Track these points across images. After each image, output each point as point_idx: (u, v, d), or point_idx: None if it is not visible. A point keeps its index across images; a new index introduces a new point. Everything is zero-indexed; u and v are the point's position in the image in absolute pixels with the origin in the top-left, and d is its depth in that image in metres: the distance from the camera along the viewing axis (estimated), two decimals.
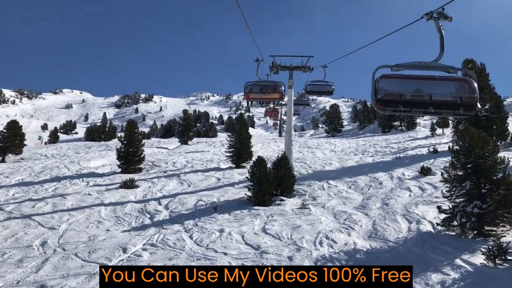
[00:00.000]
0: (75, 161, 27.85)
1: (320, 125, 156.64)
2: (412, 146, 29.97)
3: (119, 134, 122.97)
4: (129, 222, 14.12)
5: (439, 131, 37.58)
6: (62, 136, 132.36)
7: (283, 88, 15.89)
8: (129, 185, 18.32)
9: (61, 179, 21.67)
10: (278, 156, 17.31)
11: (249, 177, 15.86)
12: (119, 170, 23.62)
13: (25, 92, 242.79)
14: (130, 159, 23.79)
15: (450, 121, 39.83)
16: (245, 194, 15.94)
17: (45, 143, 70.68)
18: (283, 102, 74.34)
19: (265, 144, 38.05)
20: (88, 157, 30.13)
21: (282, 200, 15.83)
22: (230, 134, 23.48)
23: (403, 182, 17.64)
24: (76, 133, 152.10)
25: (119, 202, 16.50)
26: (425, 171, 18.43)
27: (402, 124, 46.23)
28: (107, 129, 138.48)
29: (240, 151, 22.88)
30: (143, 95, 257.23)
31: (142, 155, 24.17)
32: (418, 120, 46.68)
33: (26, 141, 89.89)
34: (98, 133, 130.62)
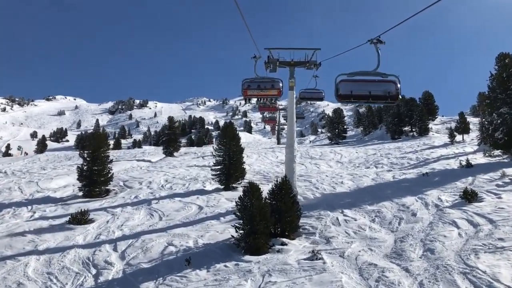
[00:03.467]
0: (35, 180, 23.35)
1: (319, 130, 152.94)
2: (434, 157, 25.64)
3: (111, 142, 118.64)
4: (62, 284, 9.71)
5: (457, 137, 33.28)
6: (52, 144, 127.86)
7: (281, 84, 14.43)
8: (79, 220, 13.85)
9: (4, 207, 17.23)
10: (277, 180, 12.86)
11: (237, 213, 11.43)
12: (81, 193, 19.20)
13: (17, 99, 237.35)
14: (95, 179, 19.35)
15: (471, 127, 35.68)
16: (232, 236, 11.48)
17: (25, 154, 66.08)
18: (281, 107, 70.03)
19: (261, 155, 33.64)
20: (52, 174, 25.63)
21: (283, 244, 11.39)
22: (216, 147, 19.00)
23: (443, 213, 13.22)
24: (67, 141, 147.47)
25: (59, 247, 12.04)
26: (470, 196, 14.05)
27: (414, 130, 41.94)
28: None
29: (229, 169, 18.42)
30: (137, 101, 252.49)
31: (109, 175, 19.70)
32: (430, 125, 42.42)
33: (12, 151, 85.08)
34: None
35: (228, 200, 16.33)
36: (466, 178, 17.34)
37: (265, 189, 18.34)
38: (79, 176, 19.18)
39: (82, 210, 14.46)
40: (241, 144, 19.32)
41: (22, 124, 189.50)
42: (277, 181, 12.58)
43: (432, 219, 12.74)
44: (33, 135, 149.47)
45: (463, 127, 32.86)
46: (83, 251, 11.65)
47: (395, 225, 12.61)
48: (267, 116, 58.11)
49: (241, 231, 11.19)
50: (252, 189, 11.44)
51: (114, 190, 19.97)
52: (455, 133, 32.28)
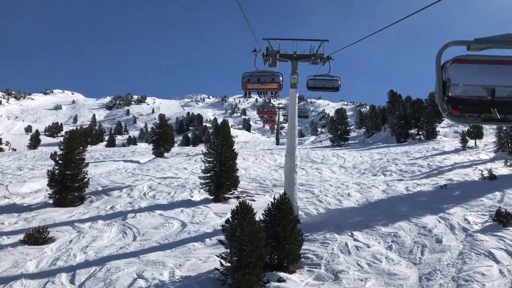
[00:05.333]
0: (5, 183, 21.01)
1: (319, 129, 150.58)
2: (447, 165, 23.36)
3: (106, 138, 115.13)
4: None
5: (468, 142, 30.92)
6: (46, 139, 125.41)
7: (281, 78, 13.19)
8: (36, 239, 11.53)
9: None
10: (274, 197, 10.54)
11: (223, 241, 9.14)
12: (52, 200, 16.89)
13: (13, 92, 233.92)
14: (68, 185, 17.03)
15: (485, 131, 33.41)
16: (217, 270, 9.16)
17: (13, 149, 63.74)
18: (281, 105, 67.70)
19: (259, 158, 31.30)
20: (27, 176, 23.30)
21: (280, 279, 9.11)
22: (206, 152, 16.64)
23: (475, 240, 10.92)
24: (62, 136, 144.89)
25: (3, 277, 9.73)
26: (504, 219, 11.77)
27: (421, 133, 39.66)
28: (94, 132, 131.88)
29: (220, 177, 16.09)
30: (135, 97, 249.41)
31: (84, 180, 17.39)
32: (437, 128, 40.10)
33: (3, 145, 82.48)
34: (85, 136, 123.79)
35: (217, 215, 14.02)
36: (493, 193, 15.06)
37: (261, 201, 16.10)
38: (49, 181, 16.87)
39: (42, 226, 12.14)
40: (234, 149, 16.95)
41: (17, 118, 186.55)
42: (274, 198, 10.27)
43: (462, 249, 10.46)
44: (28, 129, 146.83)
45: (475, 132, 30.56)
46: (31, 283, 9.35)
47: (417, 255, 10.31)
48: (266, 117, 55.67)
49: (229, 264, 8.91)
50: (243, 211, 9.13)
51: (90, 197, 17.66)
52: (467, 137, 29.95)
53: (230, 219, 9.21)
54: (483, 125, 31.48)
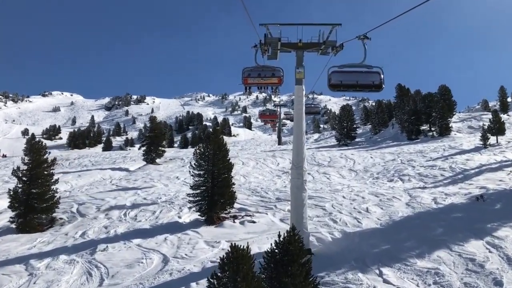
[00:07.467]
0: None
1: (321, 126, 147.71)
2: (472, 167, 20.66)
3: (104, 139, 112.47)
4: None
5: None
6: (44, 142, 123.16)
7: (282, 73, 11.78)
8: None
9: None
10: (279, 233, 7.88)
11: None
12: (15, 225, 14.31)
13: (10, 95, 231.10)
14: (35, 205, 14.46)
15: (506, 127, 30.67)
16: None
17: (3, 156, 61.47)
18: (282, 102, 65.03)
19: (259, 162, 28.62)
20: None
21: None
22: (195, 164, 13.92)
23: None
24: (60, 138, 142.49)
25: None
26: None
27: (433, 129, 36.90)
28: (92, 134, 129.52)
29: (213, 194, 13.42)
30: (134, 97, 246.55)
31: (54, 199, 14.79)
32: (450, 124, 37.31)
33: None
34: (82, 138, 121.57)
35: (208, 244, 11.34)
36: None
37: (262, 222, 13.42)
38: (11, 202, 14.28)
39: None
40: (229, 158, 14.26)
41: (14, 121, 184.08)
42: (279, 236, 7.60)
43: None
44: (25, 132, 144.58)
45: (497, 127, 27.76)
46: None
47: None
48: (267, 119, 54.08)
49: None
50: (237, 259, 6.50)
51: (61, 219, 15.06)
52: (487, 134, 27.17)
53: (219, 272, 6.59)
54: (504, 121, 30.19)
